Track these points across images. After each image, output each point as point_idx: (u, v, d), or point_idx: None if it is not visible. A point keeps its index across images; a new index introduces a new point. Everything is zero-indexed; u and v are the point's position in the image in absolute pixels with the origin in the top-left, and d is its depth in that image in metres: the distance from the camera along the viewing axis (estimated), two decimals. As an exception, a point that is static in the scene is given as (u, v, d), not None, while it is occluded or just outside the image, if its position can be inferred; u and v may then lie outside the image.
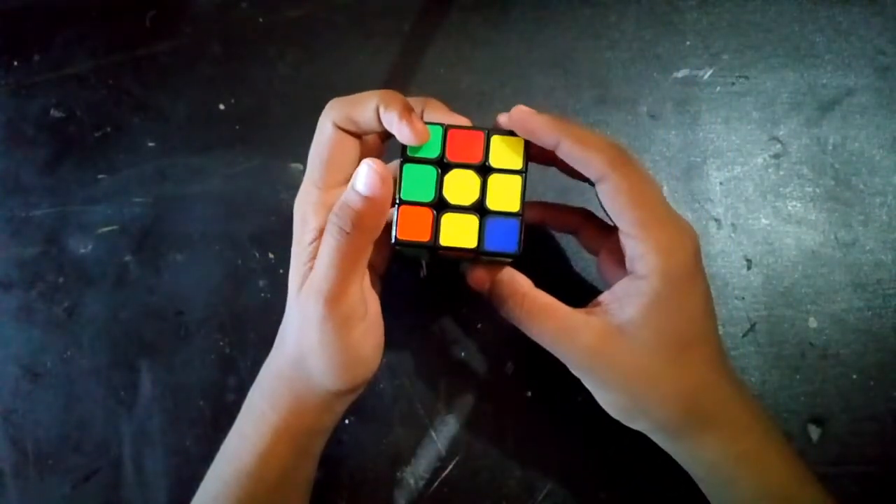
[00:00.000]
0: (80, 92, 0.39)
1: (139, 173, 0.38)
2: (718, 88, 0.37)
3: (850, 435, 0.32)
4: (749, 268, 0.35)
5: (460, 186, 0.26)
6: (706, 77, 0.37)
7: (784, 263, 0.35)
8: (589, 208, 0.31)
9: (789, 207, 0.35)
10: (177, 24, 0.40)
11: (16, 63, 0.40)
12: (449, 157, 0.26)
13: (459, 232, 0.26)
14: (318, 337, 0.25)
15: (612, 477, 0.32)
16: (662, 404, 0.26)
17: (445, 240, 0.26)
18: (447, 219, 0.26)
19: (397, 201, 0.26)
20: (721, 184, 0.36)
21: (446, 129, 0.26)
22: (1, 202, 0.38)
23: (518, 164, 0.26)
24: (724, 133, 0.37)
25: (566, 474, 0.32)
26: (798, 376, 0.33)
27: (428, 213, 0.26)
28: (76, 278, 0.37)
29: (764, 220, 0.35)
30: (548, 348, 0.27)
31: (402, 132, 0.25)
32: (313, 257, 0.26)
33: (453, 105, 0.28)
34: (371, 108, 0.25)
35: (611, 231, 0.30)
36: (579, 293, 0.29)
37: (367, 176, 0.24)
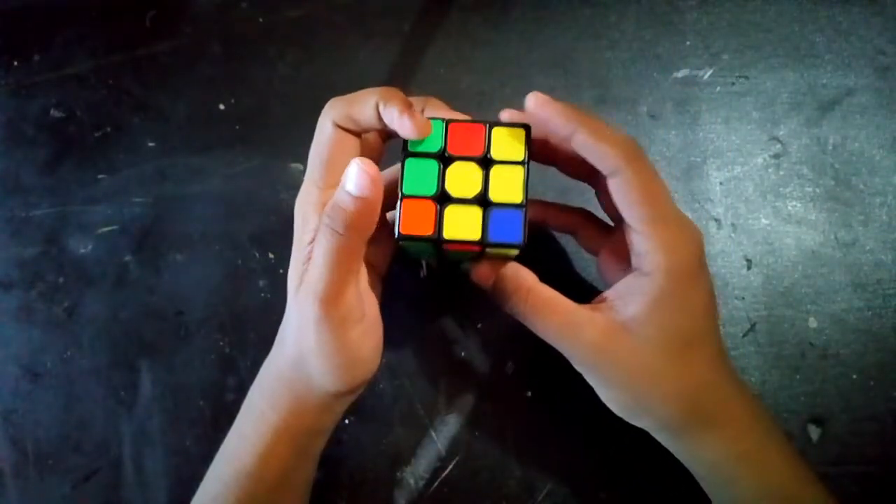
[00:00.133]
0: (80, 92, 0.39)
1: (139, 173, 0.38)
2: (718, 88, 0.37)
3: (850, 435, 0.32)
4: (749, 268, 0.35)
5: (462, 179, 0.26)
6: (706, 77, 0.37)
7: (784, 263, 0.35)
8: (588, 209, 0.31)
9: (789, 207, 0.35)
10: (177, 24, 0.40)
11: (16, 63, 0.40)
12: (450, 151, 0.26)
13: (463, 224, 0.25)
14: (316, 338, 0.25)
15: (613, 477, 0.32)
16: (664, 402, 0.26)
17: (449, 232, 0.25)
18: (450, 211, 0.26)
19: (399, 196, 0.26)
20: (721, 184, 0.36)
21: (447, 123, 0.26)
22: (1, 202, 0.38)
23: (520, 154, 0.26)
24: (724, 133, 0.37)
25: (566, 474, 0.32)
26: (798, 376, 0.33)
27: (431, 207, 0.26)
28: (76, 278, 0.37)
29: (764, 220, 0.35)
30: (552, 343, 0.27)
31: (404, 126, 0.25)
32: (311, 257, 0.26)
33: (453, 105, 0.28)
34: (371, 105, 0.25)
35: (610, 231, 0.30)
36: (579, 293, 0.29)
37: (356, 176, 0.24)
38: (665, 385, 0.25)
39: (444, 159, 0.26)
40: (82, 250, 0.37)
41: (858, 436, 0.32)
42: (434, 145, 0.26)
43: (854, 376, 0.33)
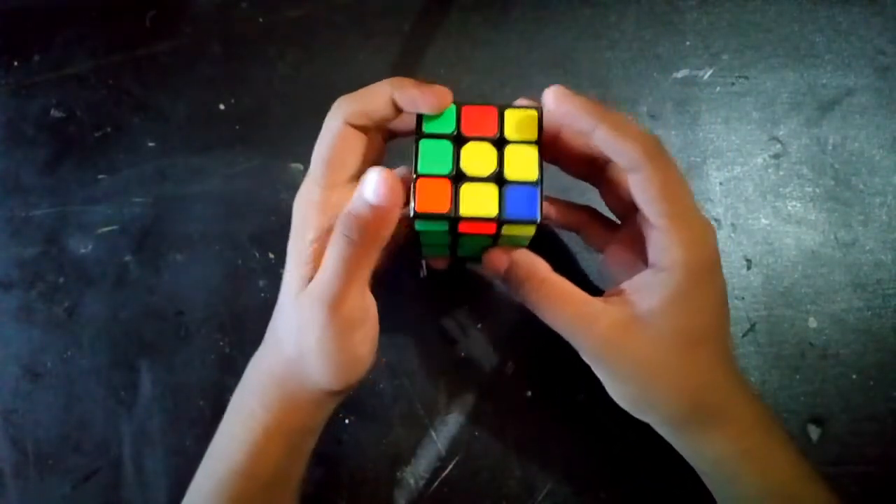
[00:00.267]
0: (81, 92, 0.39)
1: (139, 173, 0.38)
2: (718, 88, 0.37)
3: (850, 435, 0.32)
4: (749, 268, 0.35)
5: (477, 158, 0.26)
6: (706, 77, 0.37)
7: (784, 263, 0.35)
8: (592, 206, 0.31)
9: (789, 207, 0.35)
10: (177, 24, 0.40)
11: (16, 63, 0.40)
12: (464, 132, 0.26)
13: (479, 201, 0.25)
14: (319, 340, 0.25)
15: (613, 476, 0.32)
16: (670, 397, 0.26)
17: (465, 209, 0.25)
18: (466, 189, 0.26)
19: (414, 176, 0.26)
20: (721, 184, 0.36)
21: (459, 105, 0.26)
22: (1, 202, 0.38)
23: (533, 135, 0.26)
24: (724, 133, 0.37)
25: (566, 474, 0.32)
26: (798, 376, 0.33)
27: (446, 185, 0.25)
28: (76, 278, 0.37)
29: (764, 220, 0.35)
30: (562, 334, 0.27)
31: (427, 100, 0.25)
32: (314, 258, 0.25)
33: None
34: (384, 95, 0.25)
35: (616, 229, 0.30)
36: (585, 286, 0.29)
37: (375, 184, 0.24)
38: (672, 380, 0.25)
39: (458, 140, 0.26)
40: (82, 250, 0.37)
41: (858, 436, 0.32)
42: (447, 127, 0.26)
43: (854, 376, 0.33)
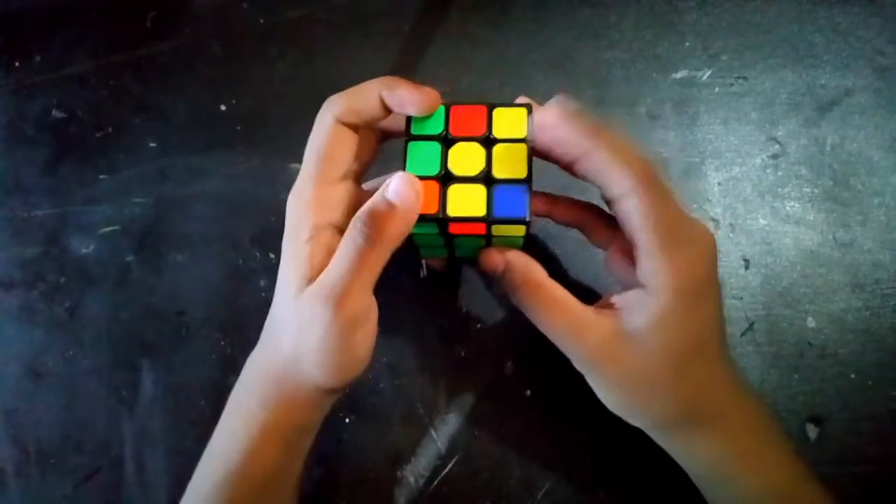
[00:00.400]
0: (81, 92, 0.40)
1: (140, 173, 0.38)
2: (717, 89, 0.37)
3: (849, 434, 0.32)
4: (747, 268, 0.35)
5: (465, 158, 0.26)
6: (705, 78, 0.37)
7: (782, 263, 0.35)
8: (595, 203, 0.31)
9: (787, 208, 0.36)
10: (177, 25, 0.40)
11: (17, 63, 0.40)
12: (452, 133, 0.26)
13: (467, 201, 0.25)
14: (321, 338, 0.25)
15: (611, 475, 0.32)
16: (663, 406, 0.26)
17: (453, 210, 0.25)
18: (454, 189, 0.26)
19: None
20: (719, 184, 0.36)
21: (448, 105, 0.26)
22: (2, 202, 0.38)
23: (522, 132, 0.26)
24: (723, 133, 0.37)
25: (565, 472, 0.32)
26: (796, 376, 0.33)
27: (434, 186, 0.26)
28: (77, 278, 0.37)
29: (762, 221, 0.35)
30: (554, 341, 0.27)
31: (415, 101, 0.25)
32: (309, 256, 0.25)
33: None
34: (373, 94, 0.26)
35: (619, 227, 0.30)
36: (580, 291, 0.29)
37: (399, 185, 0.24)
38: (663, 391, 0.26)
39: (447, 141, 0.26)
40: (83, 250, 0.37)
41: (857, 435, 0.32)
42: (436, 128, 0.26)
43: (852, 376, 0.33)
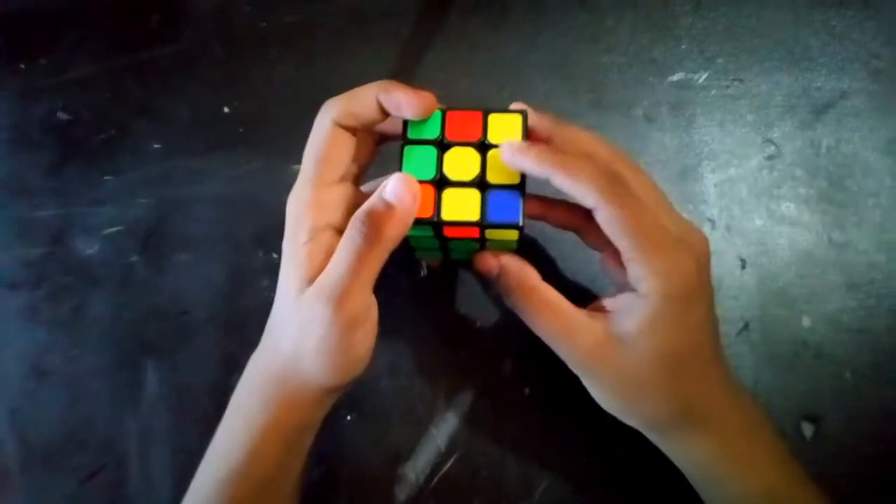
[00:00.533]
0: (85, 95, 0.40)
1: (144, 175, 0.38)
2: (713, 92, 0.38)
3: (844, 434, 0.33)
4: (743, 268, 0.35)
5: (460, 163, 0.26)
6: (701, 80, 0.38)
7: (778, 264, 0.35)
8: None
9: (783, 209, 0.36)
10: (180, 28, 0.41)
11: (22, 66, 0.41)
12: (448, 137, 0.26)
13: (462, 206, 0.26)
14: (321, 338, 0.25)
15: (609, 473, 0.33)
16: (655, 407, 0.26)
17: (447, 214, 0.26)
18: (448, 194, 0.26)
19: None
20: (715, 186, 0.36)
21: (444, 111, 0.27)
22: (8, 203, 0.39)
23: (517, 138, 0.26)
24: (719, 136, 0.37)
25: (564, 470, 0.33)
26: (792, 375, 0.34)
27: (430, 190, 0.26)
28: (82, 278, 0.37)
29: (758, 221, 0.36)
30: (548, 343, 0.27)
31: (411, 104, 0.25)
32: (308, 258, 0.26)
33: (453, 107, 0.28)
34: (371, 97, 0.26)
35: None
36: (577, 292, 0.29)
37: (396, 186, 0.25)
38: (654, 393, 0.26)
39: (442, 146, 0.26)
40: (88, 251, 0.37)
41: (852, 434, 0.32)
42: (432, 132, 0.26)
43: (848, 375, 0.33)
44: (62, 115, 0.40)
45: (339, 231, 0.26)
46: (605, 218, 0.25)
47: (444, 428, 0.34)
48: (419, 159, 0.26)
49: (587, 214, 0.31)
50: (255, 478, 0.27)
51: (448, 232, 0.27)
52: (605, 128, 0.37)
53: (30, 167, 0.39)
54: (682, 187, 0.36)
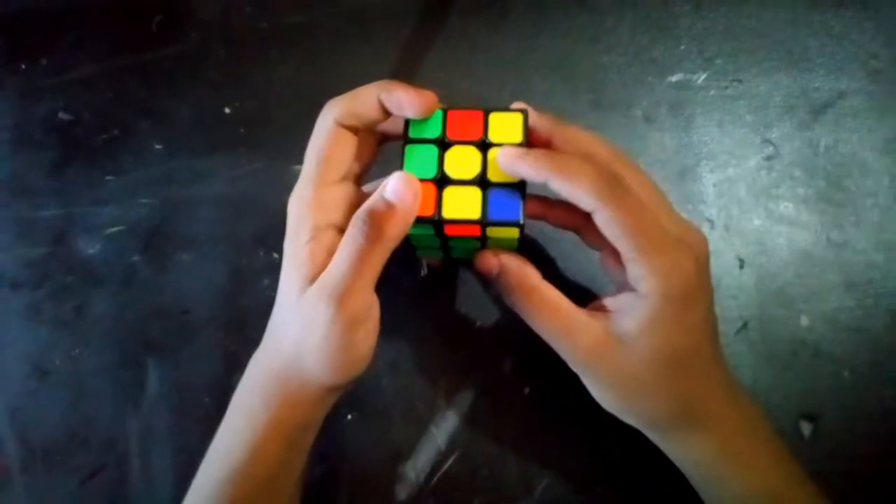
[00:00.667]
0: (87, 95, 0.40)
1: (146, 175, 0.38)
2: (712, 92, 0.38)
3: (843, 432, 0.33)
4: (742, 267, 0.35)
5: (461, 162, 0.26)
6: (700, 81, 0.38)
7: (776, 263, 0.35)
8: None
9: (781, 208, 0.36)
10: (182, 30, 0.41)
11: (23, 66, 0.41)
12: (449, 136, 0.27)
13: (462, 204, 0.26)
14: (323, 337, 0.25)
15: (609, 472, 0.33)
16: (654, 407, 0.26)
17: (448, 212, 0.26)
18: (449, 192, 0.26)
19: None
20: (714, 185, 0.36)
21: (445, 110, 0.27)
22: (10, 203, 0.39)
23: (518, 137, 0.26)
24: (718, 136, 0.37)
25: (564, 469, 0.33)
26: (790, 374, 0.34)
27: (431, 189, 0.26)
28: (84, 278, 0.37)
29: (756, 221, 0.36)
30: (548, 342, 0.27)
31: (412, 103, 0.25)
32: (310, 257, 0.26)
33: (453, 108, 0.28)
34: (372, 97, 0.26)
35: None
36: (577, 291, 0.29)
37: (396, 184, 0.25)
38: (653, 392, 0.26)
39: (444, 145, 0.27)
40: (90, 250, 0.38)
41: (850, 433, 0.33)
42: (433, 132, 0.27)
43: (846, 374, 0.34)
44: (63, 116, 0.40)
45: (341, 231, 0.26)
46: (605, 219, 0.25)
47: (445, 427, 0.34)
48: (420, 158, 0.26)
49: (587, 214, 0.31)
50: (256, 477, 0.27)
51: (449, 230, 0.27)
52: (604, 128, 0.37)
53: (31, 167, 0.39)
54: (680, 187, 0.36)
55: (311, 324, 0.25)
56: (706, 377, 0.27)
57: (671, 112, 0.37)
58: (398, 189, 0.25)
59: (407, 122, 0.27)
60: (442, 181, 0.26)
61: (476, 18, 0.40)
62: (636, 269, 0.25)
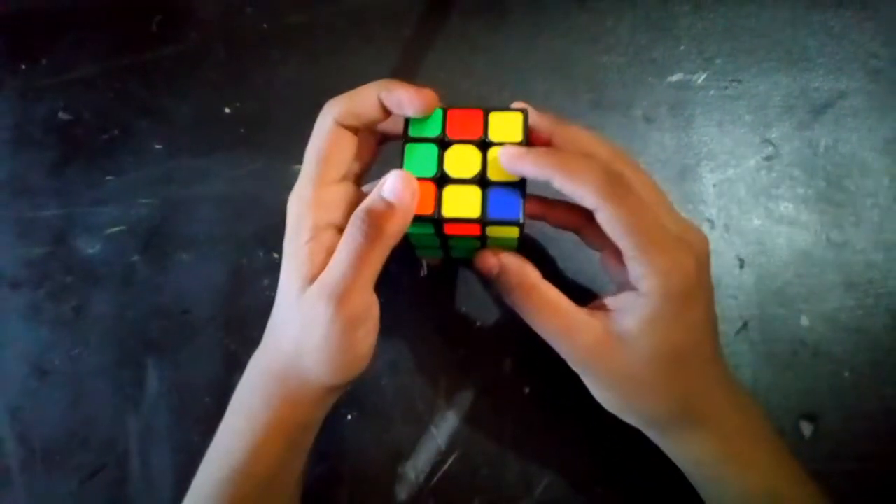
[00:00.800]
0: (88, 95, 0.40)
1: (146, 175, 0.38)
2: (712, 92, 0.38)
3: (843, 432, 0.33)
4: (742, 267, 0.35)
5: (461, 161, 0.26)
6: (700, 81, 0.38)
7: (776, 263, 0.35)
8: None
9: (781, 208, 0.36)
10: (182, 29, 0.41)
11: (24, 66, 0.41)
12: (449, 135, 0.27)
13: (462, 203, 0.26)
14: (323, 336, 0.25)
15: (609, 472, 0.33)
16: (654, 406, 0.26)
17: (448, 211, 0.26)
18: (449, 191, 0.26)
19: None
20: (714, 185, 0.37)
21: (445, 109, 0.27)
22: (10, 203, 0.39)
23: (518, 136, 0.26)
24: (718, 136, 0.37)
25: (564, 468, 0.33)
26: (790, 374, 0.34)
27: (430, 188, 0.26)
28: (84, 278, 0.37)
29: (756, 221, 0.36)
30: (548, 341, 0.27)
31: (412, 101, 0.25)
32: (310, 257, 0.26)
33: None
34: (372, 96, 0.26)
35: None
36: (577, 291, 0.29)
37: (394, 183, 0.25)
38: (653, 392, 0.26)
39: (443, 144, 0.27)
40: (90, 250, 0.38)
41: (850, 433, 0.33)
42: (433, 131, 0.27)
43: (846, 374, 0.34)
44: (63, 116, 0.40)
45: (341, 230, 0.26)
46: (606, 217, 0.25)
47: (445, 426, 0.34)
48: (420, 157, 0.26)
49: (587, 214, 0.31)
50: (256, 476, 0.27)
51: (449, 229, 0.27)
52: (604, 128, 0.37)
53: (31, 167, 0.39)
54: (681, 187, 0.36)
55: (310, 323, 0.25)
56: (706, 376, 0.27)
57: (671, 112, 0.38)
58: (396, 187, 0.25)
59: (407, 121, 0.27)
60: (442, 180, 0.26)
61: (476, 19, 0.40)
62: (637, 268, 0.25)
